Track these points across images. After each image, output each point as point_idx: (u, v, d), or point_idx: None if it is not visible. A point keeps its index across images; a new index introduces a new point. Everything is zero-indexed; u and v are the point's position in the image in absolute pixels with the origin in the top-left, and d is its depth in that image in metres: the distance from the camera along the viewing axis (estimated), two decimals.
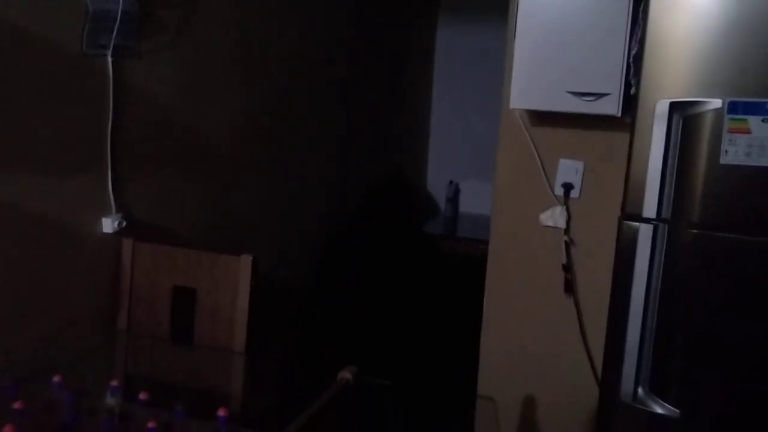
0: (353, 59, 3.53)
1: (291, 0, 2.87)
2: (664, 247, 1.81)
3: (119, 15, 1.88)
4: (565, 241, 2.35)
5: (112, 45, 1.90)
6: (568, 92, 2.12)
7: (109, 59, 1.91)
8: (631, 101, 2.00)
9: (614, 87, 2.06)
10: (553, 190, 2.36)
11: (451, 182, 4.39)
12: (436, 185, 4.58)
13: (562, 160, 2.34)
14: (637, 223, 1.83)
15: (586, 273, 2.35)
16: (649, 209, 1.81)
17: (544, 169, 2.36)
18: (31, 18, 1.70)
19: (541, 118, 2.35)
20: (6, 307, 1.71)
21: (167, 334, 1.99)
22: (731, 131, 1.71)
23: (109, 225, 1.96)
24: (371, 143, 3.88)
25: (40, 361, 1.70)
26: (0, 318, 1.70)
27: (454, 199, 4.40)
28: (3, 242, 1.69)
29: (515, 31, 2.19)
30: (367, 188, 3.86)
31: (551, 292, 2.39)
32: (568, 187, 2.33)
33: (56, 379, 1.55)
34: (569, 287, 2.36)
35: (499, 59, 2.42)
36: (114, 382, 1.57)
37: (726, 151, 1.72)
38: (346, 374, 1.46)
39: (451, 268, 3.83)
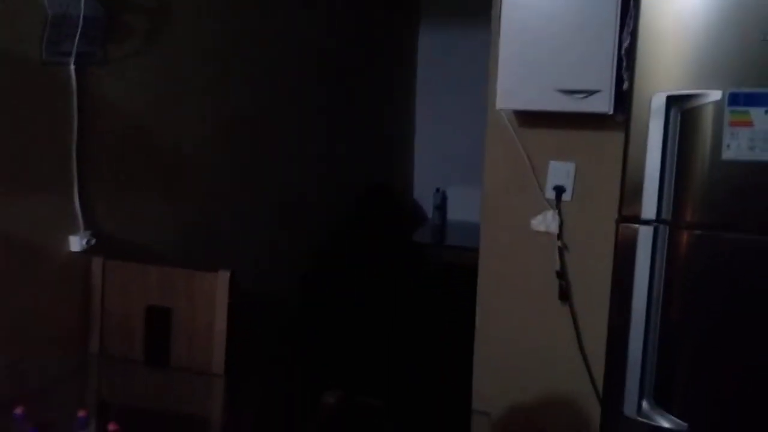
0: (335, 65, 3.44)
1: (271, 5, 2.78)
2: (665, 250, 1.72)
3: (81, 20, 1.77)
4: (559, 247, 2.25)
5: (74, 52, 1.79)
6: (557, 90, 2.03)
7: (72, 67, 1.80)
8: (622, 98, 1.91)
9: (605, 83, 1.96)
10: (544, 194, 2.26)
11: (437, 189, 4.30)
12: (423, 193, 4.49)
13: (552, 162, 2.25)
14: (636, 225, 1.73)
15: (581, 279, 2.25)
16: (648, 210, 1.71)
17: (534, 172, 2.27)
18: None
19: (529, 119, 2.26)
20: None
21: (142, 357, 1.90)
22: (733, 124, 1.62)
23: (76, 243, 1.87)
24: (355, 152, 3.78)
25: (2, 391, 1.59)
26: None
27: (441, 206, 4.30)
28: None
29: (499, 29, 2.10)
30: (353, 198, 3.76)
31: (545, 300, 2.30)
32: (559, 189, 2.24)
33: (18, 411, 1.44)
34: (564, 294, 2.27)
35: (483, 62, 2.33)
36: (81, 413, 1.45)
37: (728, 146, 1.63)
38: (329, 399, 1.36)
39: (441, 277, 3.74)
